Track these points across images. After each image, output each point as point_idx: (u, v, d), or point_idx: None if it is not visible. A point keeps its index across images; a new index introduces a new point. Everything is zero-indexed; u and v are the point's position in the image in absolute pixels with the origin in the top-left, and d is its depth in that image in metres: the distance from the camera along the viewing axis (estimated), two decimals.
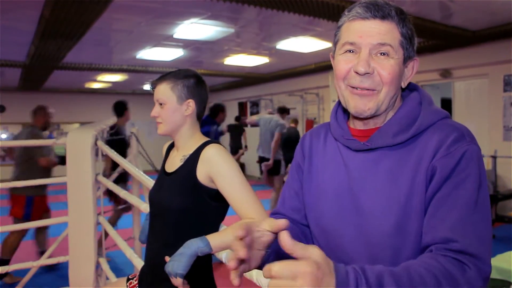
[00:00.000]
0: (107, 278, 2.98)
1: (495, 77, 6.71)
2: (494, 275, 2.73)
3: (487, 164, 6.67)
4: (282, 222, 0.79)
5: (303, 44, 6.90)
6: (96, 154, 2.97)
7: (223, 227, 1.59)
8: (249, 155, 11.37)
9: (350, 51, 0.98)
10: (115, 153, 2.76)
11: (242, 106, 13.17)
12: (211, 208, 1.55)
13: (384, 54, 0.95)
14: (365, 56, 0.95)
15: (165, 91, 1.58)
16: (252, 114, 12.59)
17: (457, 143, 0.90)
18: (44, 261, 3.39)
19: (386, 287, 0.70)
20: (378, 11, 0.95)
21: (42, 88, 11.85)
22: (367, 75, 0.95)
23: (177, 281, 1.35)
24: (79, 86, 12.49)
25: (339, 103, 1.10)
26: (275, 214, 1.19)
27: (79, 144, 2.96)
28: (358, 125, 1.05)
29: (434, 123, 0.97)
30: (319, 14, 4.74)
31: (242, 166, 12.44)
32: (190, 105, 1.61)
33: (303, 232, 1.13)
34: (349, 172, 1.02)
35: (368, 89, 0.96)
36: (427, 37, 6.21)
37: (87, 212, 2.89)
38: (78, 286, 2.98)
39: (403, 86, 1.03)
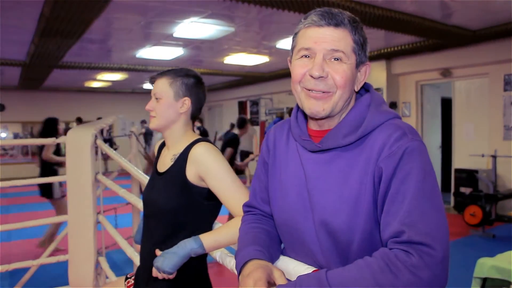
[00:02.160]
0: (107, 277, 2.98)
1: (495, 77, 6.71)
2: (494, 274, 2.73)
3: (487, 163, 6.67)
4: None
5: None
6: (96, 153, 2.96)
7: (217, 224, 1.59)
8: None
9: (305, 56, 1.04)
10: (114, 152, 2.76)
11: (242, 105, 13.16)
12: (203, 207, 1.53)
13: (337, 59, 1.02)
14: (319, 61, 1.01)
15: (163, 86, 1.57)
16: (252, 113, 12.59)
17: (399, 142, 0.95)
18: (44, 259, 3.39)
19: None
20: (332, 19, 1.01)
21: (42, 87, 11.85)
22: (321, 79, 1.02)
23: (162, 276, 1.37)
24: (79, 85, 12.48)
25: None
26: (249, 207, 1.28)
27: (78, 143, 2.95)
28: (314, 126, 1.12)
29: (381, 124, 1.02)
30: None
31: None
32: (186, 103, 1.59)
33: (270, 230, 1.20)
34: (305, 171, 1.08)
35: (323, 92, 1.03)
36: (427, 36, 6.20)
37: (87, 211, 2.88)
38: (78, 285, 2.98)
39: (356, 90, 1.09)
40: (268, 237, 1.16)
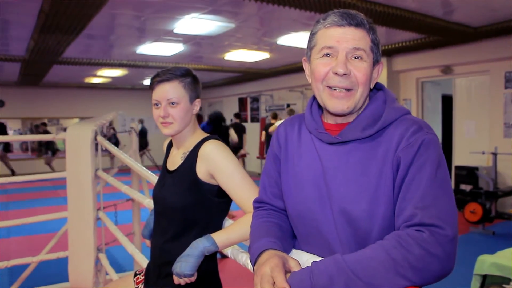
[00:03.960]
0: (107, 274, 2.98)
1: (496, 74, 6.70)
2: (494, 271, 2.73)
3: (488, 161, 6.67)
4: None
5: (304, 39, 6.85)
6: (96, 149, 2.96)
7: (228, 221, 1.59)
8: (249, 151, 11.37)
9: (327, 55, 1.09)
10: (116, 148, 2.75)
11: (242, 102, 13.15)
12: (214, 204, 1.54)
13: (358, 57, 1.07)
14: (343, 59, 1.06)
15: (179, 91, 1.54)
16: (252, 109, 12.59)
17: (416, 134, 1.02)
18: (43, 256, 3.38)
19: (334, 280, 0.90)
20: (352, 20, 1.07)
21: (42, 83, 11.83)
22: (345, 76, 1.06)
23: (185, 281, 1.37)
24: (79, 81, 12.46)
25: (314, 98, 1.20)
26: (259, 203, 1.31)
27: (78, 139, 2.95)
28: (330, 120, 1.16)
29: (397, 118, 1.09)
30: (320, 9, 4.72)
31: (242, 162, 12.42)
32: (197, 104, 1.60)
33: (282, 224, 1.23)
34: (323, 163, 1.12)
35: (346, 89, 1.07)
36: (428, 33, 6.19)
37: (87, 207, 2.88)
38: (78, 282, 2.98)
39: (371, 87, 1.14)
40: (280, 231, 1.18)
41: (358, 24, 1.07)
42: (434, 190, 0.97)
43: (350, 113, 1.11)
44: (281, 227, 1.20)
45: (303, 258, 1.09)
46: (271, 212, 1.26)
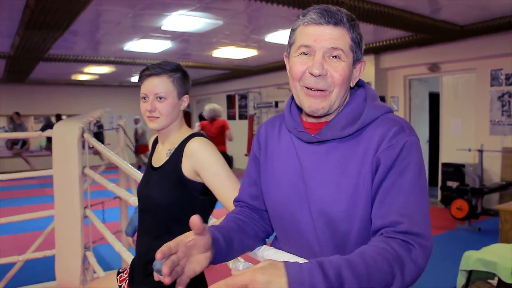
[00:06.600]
0: (94, 272, 2.96)
1: (483, 72, 6.77)
2: (479, 267, 2.77)
3: (474, 158, 6.74)
4: (193, 220, 0.94)
5: None
6: (83, 147, 2.93)
7: (212, 220, 1.58)
8: (237, 149, 11.38)
9: (304, 53, 1.06)
10: (102, 145, 2.73)
11: (230, 99, 13.13)
12: (199, 202, 1.53)
13: (336, 57, 1.04)
14: (319, 59, 1.03)
15: (167, 85, 1.54)
16: (240, 107, 12.57)
17: (398, 136, 1.00)
18: (30, 255, 3.35)
19: (345, 279, 0.78)
20: (331, 18, 1.03)
21: (28, 80, 11.67)
22: (321, 77, 1.03)
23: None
24: (66, 78, 12.33)
25: (293, 97, 1.17)
26: (237, 202, 1.30)
27: (65, 137, 2.92)
28: (310, 119, 1.13)
29: (377, 117, 1.06)
30: (308, 6, 4.72)
31: (230, 159, 12.41)
32: (185, 100, 1.60)
33: (262, 218, 1.24)
34: (302, 163, 1.09)
35: (321, 90, 1.04)
36: (415, 31, 6.23)
37: (74, 205, 2.85)
38: (65, 280, 2.95)
39: (352, 86, 1.12)
40: (236, 224, 1.15)
41: (337, 23, 1.03)
42: (416, 197, 0.95)
43: (327, 114, 1.08)
44: (242, 222, 1.17)
45: (284, 258, 1.07)
46: (244, 210, 1.24)
